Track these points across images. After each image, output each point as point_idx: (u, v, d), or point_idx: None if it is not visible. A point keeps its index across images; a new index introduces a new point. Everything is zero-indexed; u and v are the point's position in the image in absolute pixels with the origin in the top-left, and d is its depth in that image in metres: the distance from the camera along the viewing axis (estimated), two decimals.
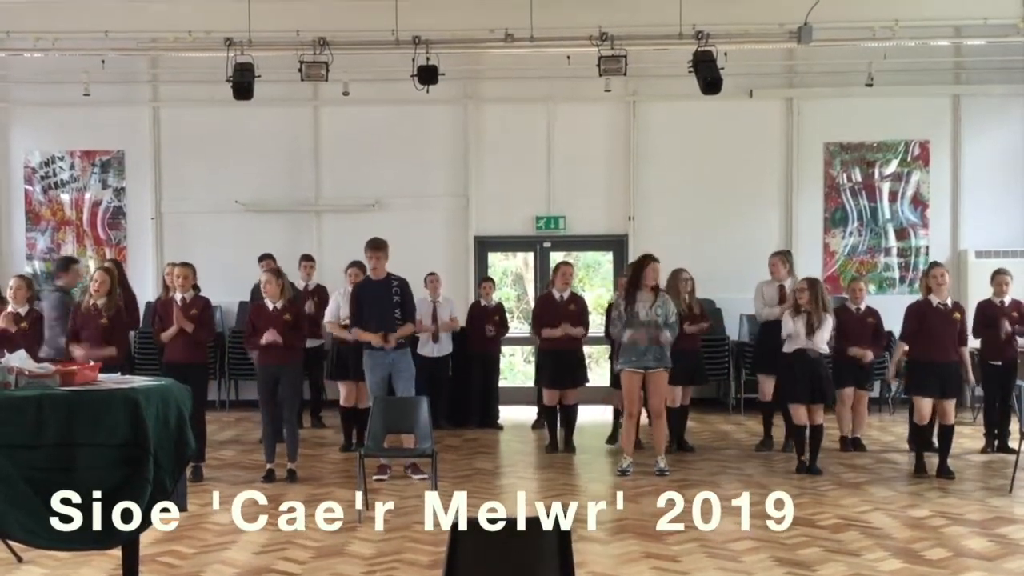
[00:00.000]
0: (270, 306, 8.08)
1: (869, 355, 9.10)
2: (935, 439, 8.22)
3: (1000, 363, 9.00)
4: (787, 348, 8.33)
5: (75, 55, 11.32)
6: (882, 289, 12.25)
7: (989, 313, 9.05)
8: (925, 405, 8.09)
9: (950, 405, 8.09)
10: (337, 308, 9.08)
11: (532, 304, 10.70)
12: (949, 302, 8.20)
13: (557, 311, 9.28)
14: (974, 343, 9.01)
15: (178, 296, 8.13)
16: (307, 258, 10.77)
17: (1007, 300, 9.06)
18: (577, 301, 9.44)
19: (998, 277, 9.12)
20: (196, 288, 8.30)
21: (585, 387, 9.58)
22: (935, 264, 8.60)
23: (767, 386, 9.26)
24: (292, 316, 8.07)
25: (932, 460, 8.09)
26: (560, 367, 9.23)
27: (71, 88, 11.80)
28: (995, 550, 5.85)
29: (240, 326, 11.63)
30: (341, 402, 9.23)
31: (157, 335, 8.20)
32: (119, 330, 8.04)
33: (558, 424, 9.36)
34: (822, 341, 8.26)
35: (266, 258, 10.28)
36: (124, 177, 12.63)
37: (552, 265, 13.02)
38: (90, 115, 12.32)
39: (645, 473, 8.16)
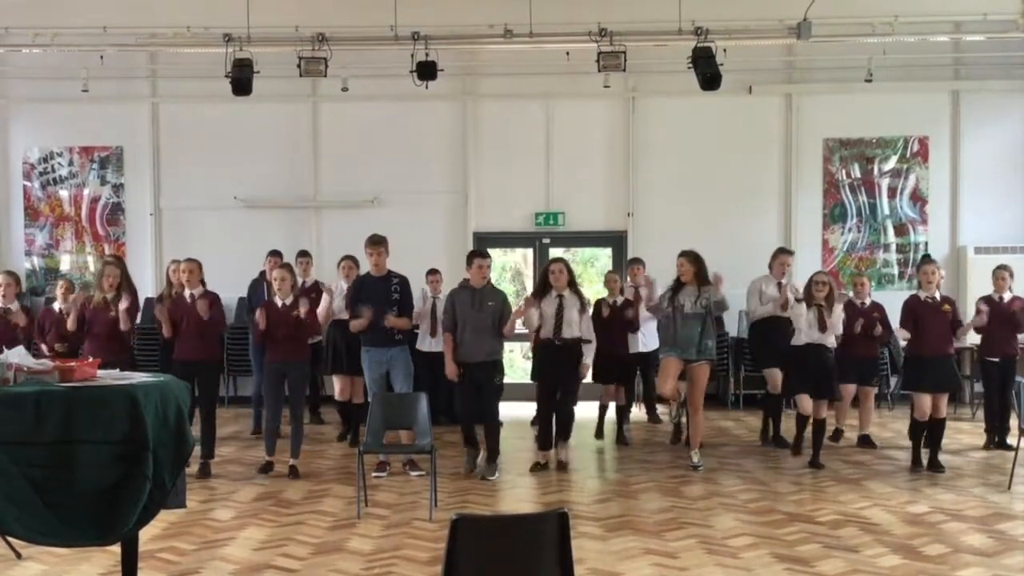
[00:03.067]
0: (279, 303, 8.06)
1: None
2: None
3: (998, 359, 9.00)
4: (796, 341, 8.39)
5: (74, 51, 11.33)
6: (881, 285, 12.21)
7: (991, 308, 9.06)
8: (924, 401, 8.12)
9: (942, 400, 8.16)
10: (334, 302, 9.20)
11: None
12: (938, 296, 8.26)
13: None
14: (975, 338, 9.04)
15: (187, 292, 8.14)
16: (304, 254, 10.76)
17: (1007, 296, 9.07)
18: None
19: (998, 272, 9.12)
20: (203, 283, 8.28)
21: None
22: (927, 259, 8.62)
23: (775, 379, 9.15)
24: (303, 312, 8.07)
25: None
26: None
27: (70, 84, 11.77)
28: (994, 546, 5.85)
29: (239, 322, 11.63)
30: (336, 396, 9.52)
31: (170, 334, 8.09)
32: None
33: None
34: (831, 336, 8.31)
35: (274, 255, 10.24)
36: (123, 173, 12.62)
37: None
38: (89, 111, 12.30)
39: (645, 469, 8.16)
